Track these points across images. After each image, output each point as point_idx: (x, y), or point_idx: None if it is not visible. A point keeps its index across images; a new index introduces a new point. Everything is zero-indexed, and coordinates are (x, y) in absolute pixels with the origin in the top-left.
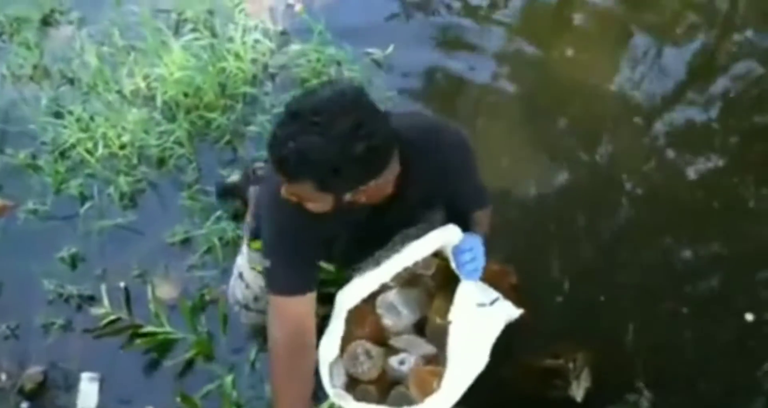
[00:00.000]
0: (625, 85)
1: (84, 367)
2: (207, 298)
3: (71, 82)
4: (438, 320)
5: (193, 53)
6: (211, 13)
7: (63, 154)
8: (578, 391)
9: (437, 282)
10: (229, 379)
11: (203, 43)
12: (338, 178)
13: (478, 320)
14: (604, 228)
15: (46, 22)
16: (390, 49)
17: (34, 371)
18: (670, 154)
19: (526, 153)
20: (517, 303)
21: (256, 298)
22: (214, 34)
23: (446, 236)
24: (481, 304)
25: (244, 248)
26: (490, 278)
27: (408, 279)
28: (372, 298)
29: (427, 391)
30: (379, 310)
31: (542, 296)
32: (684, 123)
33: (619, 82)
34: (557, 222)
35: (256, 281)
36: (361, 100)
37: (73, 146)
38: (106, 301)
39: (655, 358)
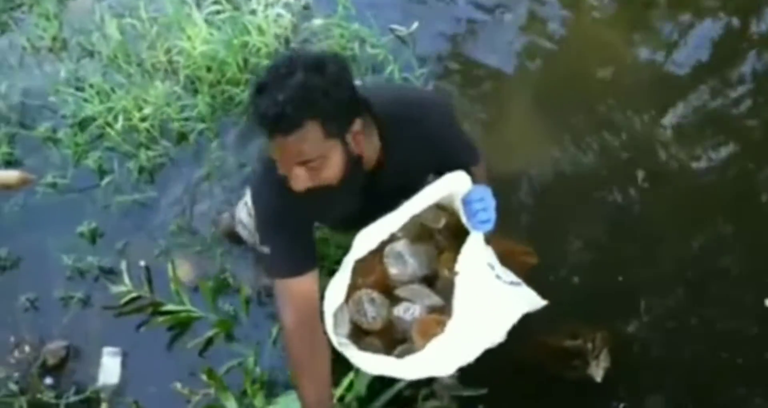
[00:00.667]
0: (645, 68)
1: (105, 342)
2: (228, 281)
3: (91, 54)
4: (446, 273)
5: (216, 27)
6: None
7: (82, 127)
8: (597, 372)
9: (447, 237)
10: (251, 356)
11: (225, 17)
12: (336, 108)
13: (490, 285)
14: (623, 211)
15: None
16: (414, 26)
17: (56, 346)
18: (688, 139)
19: (544, 134)
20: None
21: None
22: (236, 8)
23: (455, 182)
24: (493, 270)
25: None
26: (510, 257)
27: (418, 232)
28: (380, 250)
29: (429, 336)
30: (386, 260)
31: (561, 276)
32: (703, 108)
33: (639, 65)
34: (576, 204)
35: None
36: (317, 57)
37: (93, 119)
38: (126, 279)
39: (674, 339)
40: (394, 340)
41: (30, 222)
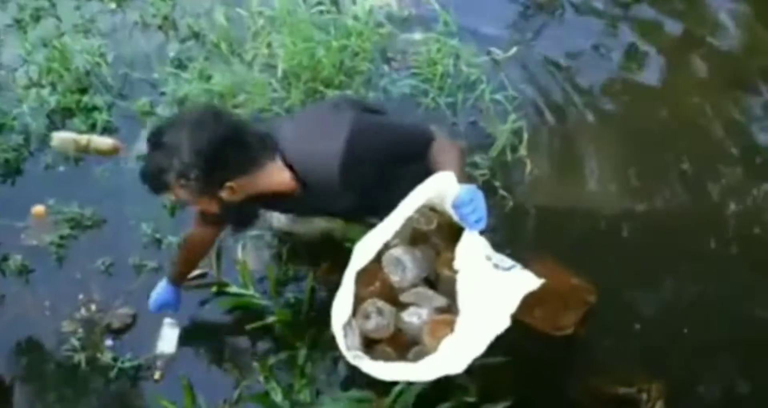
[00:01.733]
0: (734, 130)
1: (168, 314)
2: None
3: (197, 37)
4: (447, 272)
5: (318, 26)
6: None
7: (179, 106)
8: None
9: (443, 238)
10: (303, 350)
11: (329, 18)
12: (196, 181)
13: (490, 275)
14: (699, 263)
15: None
16: (513, 50)
17: (124, 312)
18: None
19: (628, 175)
20: (580, 320)
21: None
22: (340, 11)
23: (439, 184)
24: (491, 260)
25: None
26: (569, 292)
27: (412, 236)
28: (379, 258)
29: (440, 336)
30: (386, 268)
31: (622, 320)
32: None
33: (728, 126)
34: (649, 250)
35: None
36: (194, 117)
37: (191, 99)
38: None
39: (735, 400)
40: (405, 344)
41: (117, 188)
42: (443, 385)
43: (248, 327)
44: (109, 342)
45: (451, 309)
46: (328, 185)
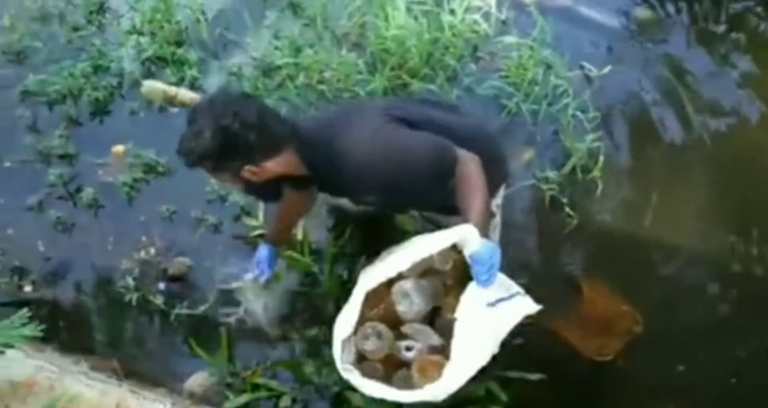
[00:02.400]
0: None
1: (220, 268)
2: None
3: (295, 10)
4: (448, 316)
5: (414, 16)
6: None
7: (266, 73)
8: None
9: (454, 276)
10: None
11: (426, 9)
12: (219, 163)
13: (486, 320)
14: (755, 314)
15: None
16: (607, 69)
17: (181, 261)
18: None
19: (701, 215)
20: (622, 349)
21: None
22: (438, 4)
23: (461, 235)
24: (491, 304)
25: None
26: (610, 316)
27: (425, 270)
28: (389, 283)
29: (428, 378)
30: (394, 297)
31: (666, 357)
32: None
33: None
34: (711, 292)
35: None
36: (227, 102)
37: (279, 68)
38: (261, 215)
39: None
40: (395, 364)
41: None
42: (472, 390)
43: (297, 288)
44: (161, 286)
45: (444, 351)
46: (337, 182)
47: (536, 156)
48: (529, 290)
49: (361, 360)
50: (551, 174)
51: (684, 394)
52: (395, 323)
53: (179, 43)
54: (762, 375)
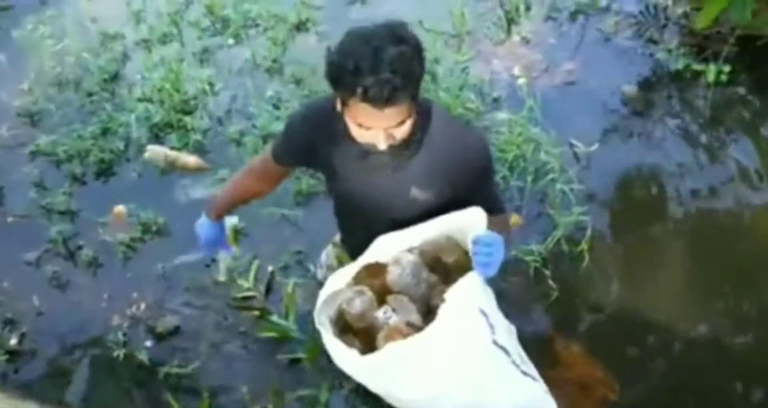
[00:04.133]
0: None
1: (208, 329)
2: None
3: (298, 83)
4: (437, 303)
5: None
6: (436, 61)
7: (266, 140)
8: None
9: (454, 270)
10: (325, 391)
11: (423, 85)
12: (422, 74)
13: (476, 323)
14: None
15: (298, 27)
16: (594, 147)
17: (170, 320)
18: None
19: (691, 295)
20: None
21: (330, 268)
22: (433, 79)
23: (470, 217)
24: (491, 326)
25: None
26: (587, 381)
27: (430, 259)
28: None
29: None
30: (389, 266)
31: None
32: None
33: None
34: (681, 374)
35: (332, 260)
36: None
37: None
38: (251, 278)
39: None
40: (373, 345)
41: (190, 204)
42: None
43: (279, 356)
44: (148, 343)
45: (419, 330)
46: (437, 166)
47: (523, 227)
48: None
49: (343, 331)
50: (535, 246)
51: None
52: (383, 295)
53: (186, 111)
54: None
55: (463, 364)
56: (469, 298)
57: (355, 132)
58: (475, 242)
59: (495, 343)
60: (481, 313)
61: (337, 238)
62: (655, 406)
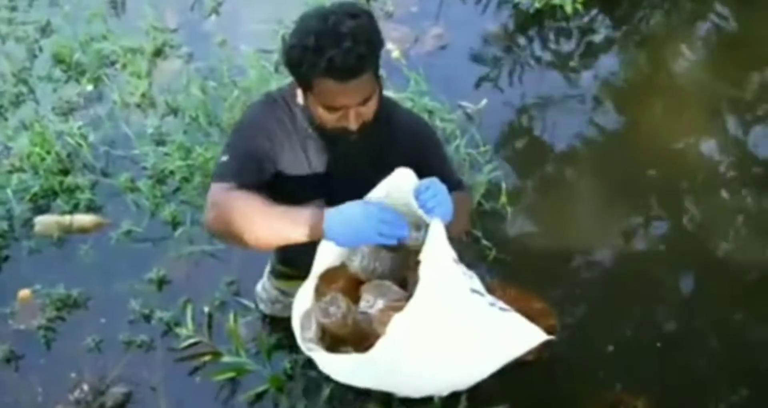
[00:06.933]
0: (710, 156)
1: (165, 388)
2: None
3: (175, 112)
4: (412, 274)
5: None
6: None
7: (161, 181)
8: None
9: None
10: None
11: None
12: (381, 47)
13: (455, 273)
14: (667, 293)
15: (158, 54)
16: (483, 103)
17: (117, 391)
18: (753, 231)
19: (606, 212)
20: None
21: (274, 301)
22: None
23: (399, 177)
24: (471, 288)
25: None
26: (528, 315)
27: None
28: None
29: (387, 321)
30: (346, 261)
31: (596, 345)
32: None
33: (704, 152)
34: (617, 281)
35: (272, 292)
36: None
37: (172, 173)
38: (189, 324)
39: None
40: (366, 346)
41: (102, 266)
42: None
43: (242, 397)
44: None
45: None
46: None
47: None
48: None
49: (332, 346)
50: None
51: (624, 372)
52: (355, 293)
53: (65, 172)
54: (677, 339)
55: (457, 317)
56: (442, 251)
57: (324, 117)
58: (416, 194)
59: (471, 289)
60: (456, 262)
61: (268, 267)
62: (596, 321)
